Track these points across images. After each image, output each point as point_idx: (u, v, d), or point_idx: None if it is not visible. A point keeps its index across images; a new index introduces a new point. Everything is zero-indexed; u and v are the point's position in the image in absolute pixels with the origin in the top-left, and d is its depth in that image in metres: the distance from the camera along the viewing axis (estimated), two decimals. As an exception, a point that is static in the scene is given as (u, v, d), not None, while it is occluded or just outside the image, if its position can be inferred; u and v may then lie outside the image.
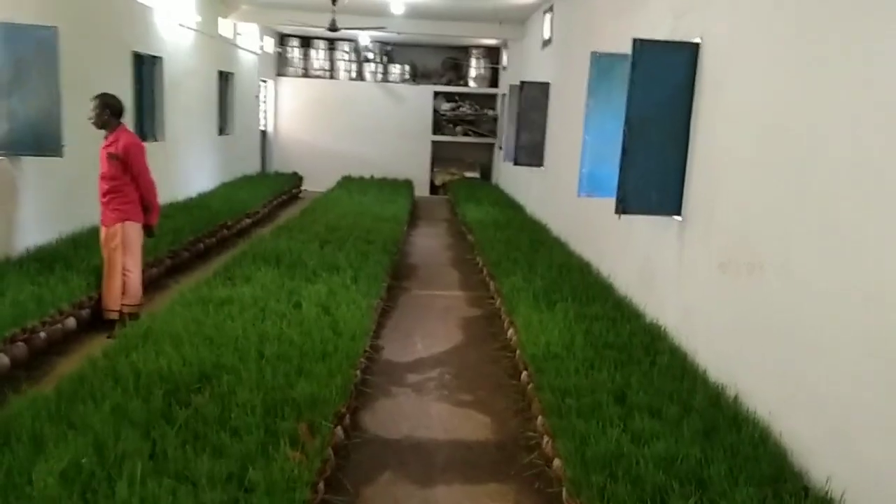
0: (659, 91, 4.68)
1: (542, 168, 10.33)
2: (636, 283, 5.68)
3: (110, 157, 5.78)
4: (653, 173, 4.79)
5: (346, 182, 14.82)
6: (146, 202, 5.97)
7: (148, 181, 5.93)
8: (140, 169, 5.84)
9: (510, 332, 5.70)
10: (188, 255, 8.15)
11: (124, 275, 5.86)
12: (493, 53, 17.20)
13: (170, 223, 8.46)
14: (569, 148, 8.41)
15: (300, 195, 15.54)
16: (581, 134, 6.98)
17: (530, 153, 10.37)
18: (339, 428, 3.74)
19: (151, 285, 7.06)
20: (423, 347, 5.82)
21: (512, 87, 11.85)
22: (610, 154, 5.75)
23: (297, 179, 15.28)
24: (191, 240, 8.36)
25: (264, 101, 16.58)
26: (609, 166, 5.78)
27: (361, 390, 4.76)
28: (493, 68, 17.17)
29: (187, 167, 11.04)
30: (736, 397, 3.73)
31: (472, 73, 17.18)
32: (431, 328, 6.33)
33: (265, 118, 16.73)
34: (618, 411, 3.54)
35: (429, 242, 10.61)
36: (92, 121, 5.81)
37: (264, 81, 16.33)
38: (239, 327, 4.63)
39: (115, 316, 5.82)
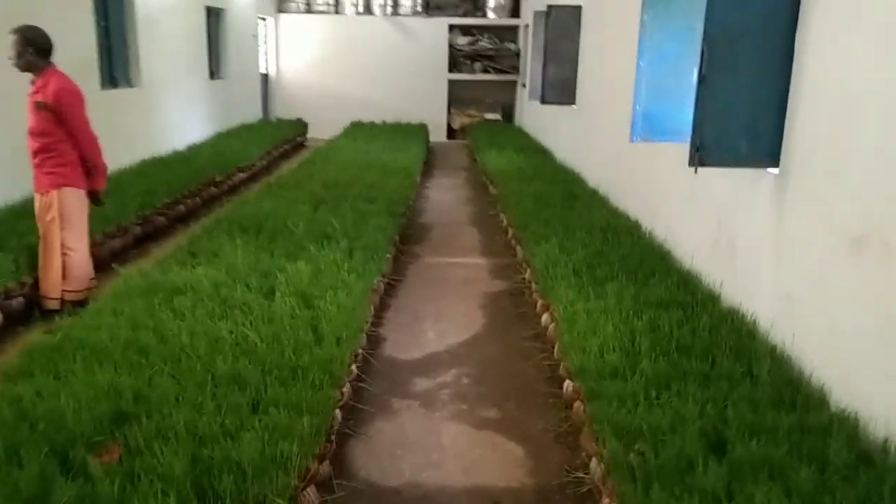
0: (753, -7, 3.35)
1: (573, 107, 8.96)
2: (706, 253, 4.43)
3: (37, 106, 4.57)
4: (741, 110, 3.48)
5: (355, 128, 13.50)
6: (88, 162, 4.78)
7: (88, 136, 4.71)
8: (76, 121, 4.63)
9: (544, 317, 4.50)
10: (164, 220, 7.00)
11: (64, 254, 4.71)
12: (513, -20, 15.56)
13: (143, 183, 7.31)
14: (609, 82, 7.04)
15: (305, 144, 14.28)
16: (630, 62, 5.64)
17: (559, 90, 8.99)
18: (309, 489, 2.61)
19: (115, 259, 5.96)
20: (435, 336, 4.65)
21: (537, 14, 10.36)
22: (672, 85, 4.44)
23: (301, 127, 13.99)
24: (168, 202, 7.20)
25: (264, 42, 15.18)
26: (671, 102, 4.47)
27: (353, 405, 3.63)
28: (513, -4, 15.56)
29: (171, 116, 9.81)
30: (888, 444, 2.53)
31: (491, 2, 15.56)
32: (446, 308, 5.15)
33: (266, 60, 15.35)
34: (720, 472, 2.35)
35: (445, 196, 9.36)
36: (12, 62, 4.60)
37: (263, 19, 14.90)
38: (187, 331, 3.48)
39: (55, 305, 4.72)
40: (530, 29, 12.36)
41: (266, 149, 11.15)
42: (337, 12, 15.74)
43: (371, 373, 4.02)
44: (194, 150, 9.82)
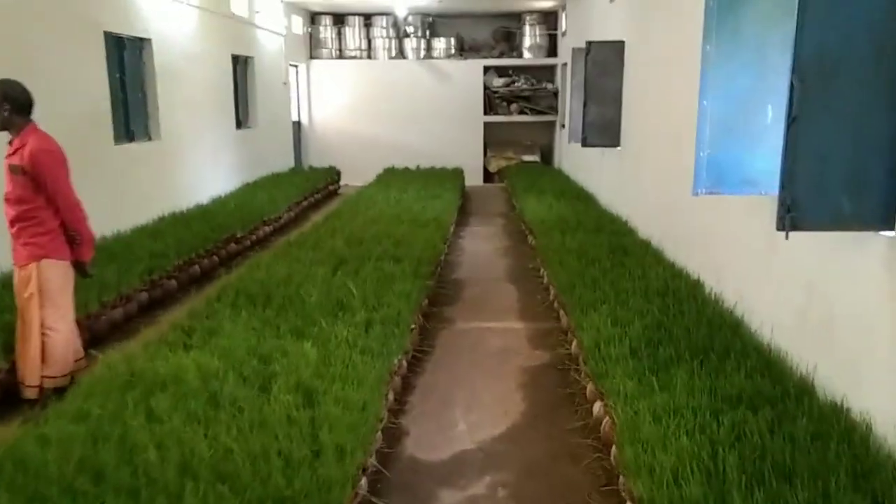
0: (856, 9, 2.64)
1: (617, 149, 8.27)
2: (791, 327, 3.65)
3: (12, 170, 4.07)
4: (842, 158, 2.75)
5: (387, 175, 12.99)
6: (71, 231, 4.24)
7: (69, 202, 4.17)
8: (56, 185, 4.09)
9: (596, 406, 3.75)
10: (175, 283, 6.47)
11: (44, 334, 4.15)
12: (549, 18, 15.05)
13: (155, 243, 6.81)
14: (660, 123, 6.34)
15: (338, 192, 13.83)
16: (685, 100, 4.95)
17: (601, 131, 8.31)
18: None
19: (116, 330, 5.42)
20: (466, 428, 3.93)
21: (576, 51, 9.75)
22: (743, 126, 3.72)
23: (333, 175, 13.56)
24: (180, 263, 6.68)
25: (296, 89, 14.91)
26: (740, 146, 3.75)
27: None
28: (550, 35, 15.03)
29: (194, 169, 9.40)
30: None
31: (527, 42, 15.08)
32: (480, 390, 4.43)
33: (298, 108, 15.06)
34: None
35: (480, 247, 8.69)
36: (-11, 119, 4.13)
37: (294, 66, 14.65)
38: (159, 444, 2.84)
39: (32, 394, 4.14)
40: (568, 67, 11.77)
41: (295, 199, 10.68)
42: (370, 57, 15.42)
43: (386, 483, 3.31)
44: (218, 204, 9.37)
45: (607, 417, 3.46)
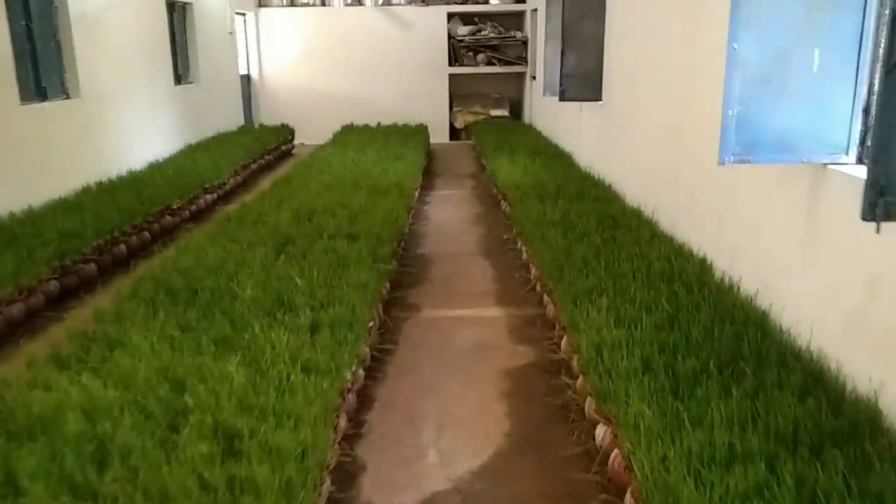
0: None
1: (599, 103, 7.44)
2: (841, 329, 2.92)
3: None
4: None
5: (345, 133, 12.00)
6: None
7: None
8: None
9: (599, 430, 3.01)
10: (96, 267, 5.55)
11: None
12: (517, -39, 14.01)
13: (72, 219, 5.85)
14: (653, 72, 5.52)
15: (292, 152, 12.81)
16: (697, 45, 4.16)
17: (581, 83, 7.46)
18: None
19: (17, 330, 4.51)
20: (437, 459, 3.17)
21: (550, -8, 8.81)
22: (781, 78, 2.92)
23: (286, 133, 12.50)
24: (101, 243, 5.73)
25: (244, 40, 13.70)
26: (779, 102, 2.96)
27: None
28: (518, -21, 14.01)
29: (123, 130, 8.34)
30: None
31: (494, -13, 14.04)
32: (453, 402, 3.66)
33: (247, 60, 13.87)
34: None
35: (449, 214, 7.86)
36: None
37: (242, 14, 13.41)
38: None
39: None
40: (541, 13, 10.82)
41: (242, 162, 9.67)
42: (323, 4, 14.22)
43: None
44: (154, 170, 8.36)
45: (617, 452, 2.72)
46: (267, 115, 14.11)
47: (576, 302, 3.81)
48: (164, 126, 9.50)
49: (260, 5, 13.99)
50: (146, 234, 6.50)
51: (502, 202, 7.64)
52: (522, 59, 13.97)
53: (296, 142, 13.33)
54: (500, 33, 14.17)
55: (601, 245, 4.73)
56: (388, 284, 4.90)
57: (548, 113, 10.71)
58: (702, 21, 4.50)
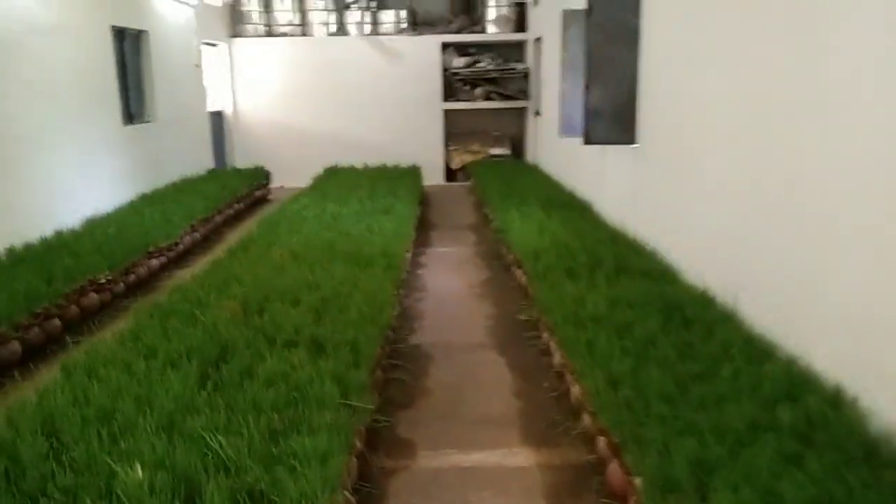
0: None
1: (633, 147, 6.02)
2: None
3: None
4: None
5: (327, 177, 10.55)
6: None
7: None
8: None
9: None
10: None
11: None
12: (517, -14, 12.75)
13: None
14: (722, 110, 4.08)
15: (268, 197, 11.35)
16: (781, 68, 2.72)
17: (610, 123, 6.05)
18: None
19: None
20: None
21: (567, 15, 7.41)
22: None
23: (260, 177, 11.03)
24: (-19, 343, 4.22)
25: (215, 73, 12.33)
26: None
27: None
28: (518, 5, 12.71)
29: (54, 180, 6.86)
30: None
31: (491, 14, 12.73)
32: None
33: (218, 96, 12.48)
34: None
35: (449, 282, 6.38)
36: None
37: (212, 45, 12.06)
38: None
39: None
40: (550, 41, 9.49)
41: (204, 214, 8.19)
42: (304, 34, 12.89)
43: None
44: (91, 228, 6.86)
45: None
46: (242, 156, 12.67)
47: (671, 485, 2.30)
48: (109, 173, 8.02)
49: (233, 35, 12.63)
50: (57, 321, 4.98)
51: (515, 269, 6.17)
52: (524, 94, 12.63)
53: (275, 184, 11.90)
54: (499, 65, 12.84)
55: (678, 360, 3.24)
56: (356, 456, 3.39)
57: (559, 154, 9.29)
58: (823, 41, 3.08)
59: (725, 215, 4.17)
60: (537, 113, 11.50)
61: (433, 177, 12.62)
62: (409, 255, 6.75)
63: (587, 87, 6.06)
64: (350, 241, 6.07)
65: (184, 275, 6.49)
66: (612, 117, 6.02)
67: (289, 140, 12.82)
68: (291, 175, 12.05)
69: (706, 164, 4.49)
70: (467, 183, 12.32)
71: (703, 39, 4.54)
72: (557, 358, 4.12)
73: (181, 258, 7.31)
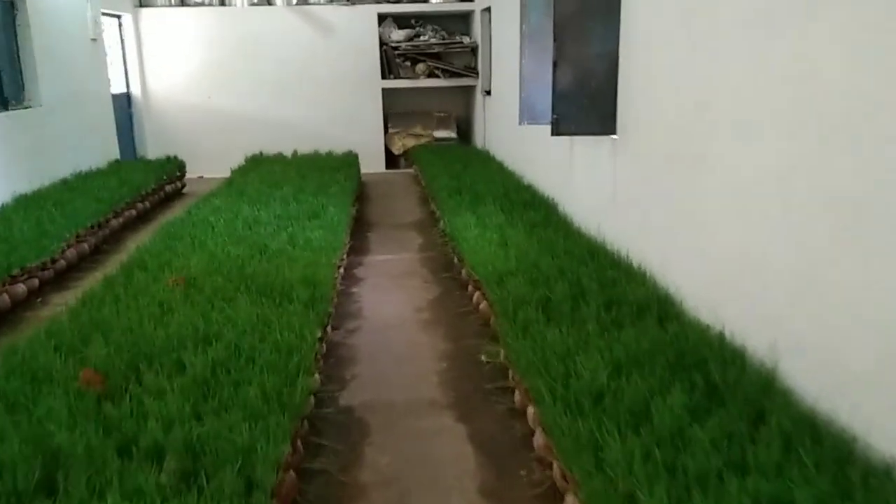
0: None
1: (612, 138, 4.95)
2: None
3: None
4: None
5: (249, 169, 9.21)
6: None
7: None
8: None
9: None
10: None
11: None
12: (461, -49, 11.50)
13: None
14: (743, 97, 2.99)
15: (183, 191, 9.94)
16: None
17: (584, 110, 4.95)
18: None
19: None
20: None
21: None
22: None
23: (171, 168, 9.58)
24: None
25: (120, 48, 10.76)
26: None
27: None
28: (464, -27, 11.51)
29: None
30: None
31: (434, -18, 11.49)
32: None
33: (126, 75, 10.92)
34: None
35: (390, 305, 5.22)
36: None
37: (114, 16, 10.48)
38: None
39: None
40: (505, 9, 8.34)
41: (94, 219, 6.80)
42: (223, 3, 11.38)
43: None
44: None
45: None
46: (155, 144, 11.16)
47: None
48: (-27, 173, 6.57)
49: (140, 5, 11.04)
50: None
51: (471, 288, 5.06)
52: (472, 70, 11.45)
53: (193, 175, 10.48)
54: (443, 38, 11.62)
55: (731, 472, 2.18)
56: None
57: (517, 142, 8.16)
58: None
59: (750, 230, 3.12)
60: (487, 92, 10.35)
61: (372, 163, 11.38)
62: (341, 270, 5.57)
63: (555, 66, 4.94)
64: (265, 261, 4.84)
65: (63, 300, 5.19)
66: (586, 103, 4.92)
67: (208, 125, 11.36)
68: (213, 164, 10.65)
69: (718, 162, 3.43)
70: (410, 170, 11.14)
71: (723, 15, 3.46)
72: (539, 439, 3.03)
73: (61, 278, 5.96)
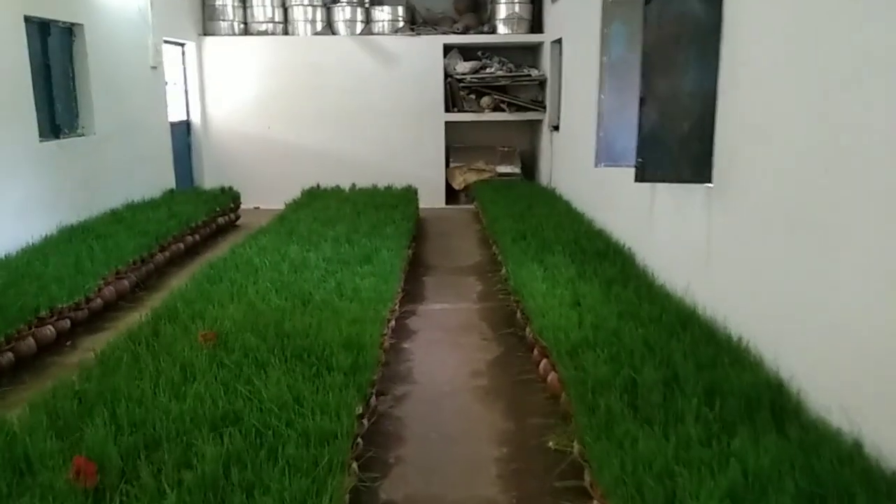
0: None
1: (707, 186, 4.27)
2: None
3: None
4: None
5: (304, 203, 8.81)
6: None
7: None
8: None
9: None
10: None
11: None
12: (532, -19, 11.02)
13: None
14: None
15: (237, 223, 9.62)
16: None
17: (672, 154, 4.30)
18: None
19: None
20: None
21: (609, 6, 5.65)
22: None
23: (225, 200, 9.27)
24: None
25: (182, 76, 10.63)
26: None
27: None
28: (534, 1, 10.98)
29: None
30: None
31: (502, 12, 11.00)
32: None
33: (187, 103, 10.77)
34: None
35: (441, 366, 4.63)
36: None
37: (178, 44, 10.37)
38: None
39: None
40: (579, 40, 7.77)
41: (136, 255, 6.45)
42: (286, 32, 11.17)
43: None
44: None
45: None
46: (213, 174, 10.94)
47: None
48: (17, 201, 6.30)
49: (204, 33, 10.92)
50: None
51: (537, 351, 4.43)
52: (538, 104, 10.89)
53: (250, 205, 10.20)
54: (510, 71, 11.11)
55: None
56: None
57: (587, 181, 7.52)
58: None
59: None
60: (555, 128, 9.76)
61: (432, 198, 10.89)
62: (392, 323, 5.01)
63: (642, 104, 4.32)
64: (308, 314, 4.32)
65: (94, 344, 4.78)
66: (676, 146, 4.27)
67: (267, 155, 11.09)
68: (269, 195, 10.34)
69: (859, 234, 2.74)
70: (471, 206, 10.60)
71: (834, 29, 2.80)
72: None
73: (97, 318, 5.58)
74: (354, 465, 3.04)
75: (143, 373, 3.40)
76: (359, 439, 3.25)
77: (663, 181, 4.42)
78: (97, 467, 2.56)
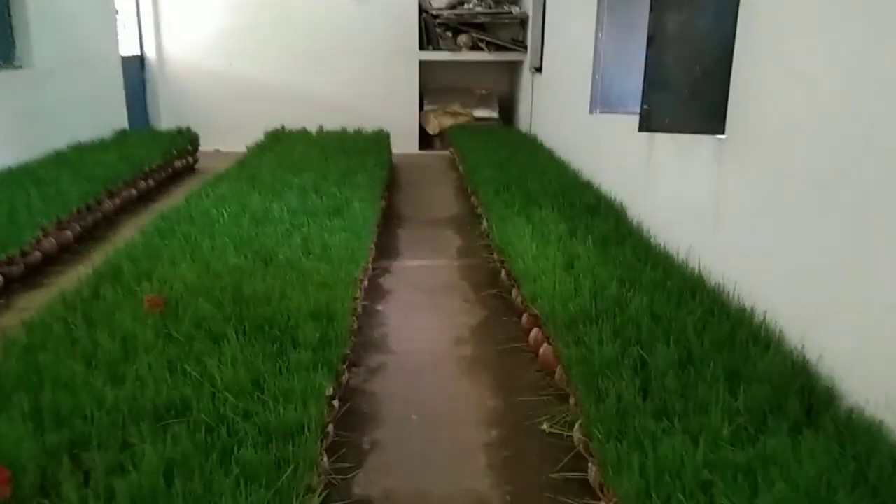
0: None
1: (719, 138, 3.84)
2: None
3: None
4: None
5: (267, 147, 8.21)
6: None
7: None
8: None
9: None
10: None
11: None
12: None
13: None
14: None
15: (195, 167, 8.98)
16: None
17: (686, 100, 3.85)
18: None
19: None
20: None
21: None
22: None
23: (181, 142, 8.59)
24: None
25: (135, 8, 9.77)
26: None
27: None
28: (516, -66, 10.30)
29: None
30: None
31: (482, -57, 10.28)
32: None
33: (140, 37, 9.94)
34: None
35: (420, 332, 4.21)
36: None
37: (128, -31, 9.49)
38: None
39: None
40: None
41: (81, 202, 5.86)
42: (248, -40, 10.32)
43: None
44: None
45: None
46: (170, 114, 10.21)
47: None
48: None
49: (158, -42, 10.03)
50: None
51: (528, 324, 4.02)
52: (519, 44, 10.29)
53: (209, 148, 9.55)
54: (489, 7, 10.45)
55: None
56: None
57: (574, 127, 7.02)
58: None
59: None
60: (537, 69, 9.20)
61: (405, 143, 10.32)
62: (364, 283, 4.56)
63: (650, 43, 3.83)
64: (271, 276, 3.84)
65: (33, 302, 4.27)
66: (686, 92, 3.81)
67: (228, 94, 10.38)
68: (231, 137, 9.70)
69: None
70: (447, 152, 10.08)
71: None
72: None
73: (36, 273, 5.03)
74: (325, 459, 2.62)
75: (75, 348, 2.91)
76: (329, 427, 2.83)
77: (670, 131, 3.96)
78: (9, 475, 2.10)
